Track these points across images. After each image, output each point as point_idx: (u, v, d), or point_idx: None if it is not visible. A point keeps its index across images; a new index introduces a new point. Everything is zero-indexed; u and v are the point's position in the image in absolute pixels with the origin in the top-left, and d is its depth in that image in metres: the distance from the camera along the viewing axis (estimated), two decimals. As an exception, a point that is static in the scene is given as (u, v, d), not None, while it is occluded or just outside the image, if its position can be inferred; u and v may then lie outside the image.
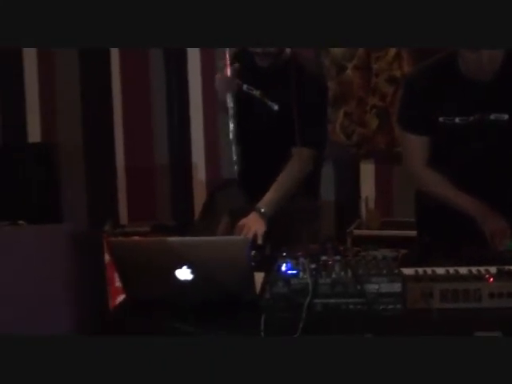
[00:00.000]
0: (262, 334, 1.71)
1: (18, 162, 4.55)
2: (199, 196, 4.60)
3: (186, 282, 1.85)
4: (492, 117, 2.41)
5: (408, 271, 1.93)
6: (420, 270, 1.97)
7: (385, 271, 1.83)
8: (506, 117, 2.40)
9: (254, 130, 2.76)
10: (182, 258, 1.83)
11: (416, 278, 1.89)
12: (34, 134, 4.86)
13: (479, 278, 1.90)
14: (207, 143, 4.65)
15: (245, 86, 2.73)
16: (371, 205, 4.34)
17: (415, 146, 2.55)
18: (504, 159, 2.52)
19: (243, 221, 2.55)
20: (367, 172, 4.46)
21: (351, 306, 1.80)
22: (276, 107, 2.70)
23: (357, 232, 4.10)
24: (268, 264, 2.01)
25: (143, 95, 4.74)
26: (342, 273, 1.82)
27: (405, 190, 4.21)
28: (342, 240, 3.91)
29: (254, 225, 2.53)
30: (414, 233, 2.88)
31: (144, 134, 4.80)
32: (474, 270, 1.97)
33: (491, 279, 1.88)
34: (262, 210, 2.57)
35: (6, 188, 4.37)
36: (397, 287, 1.80)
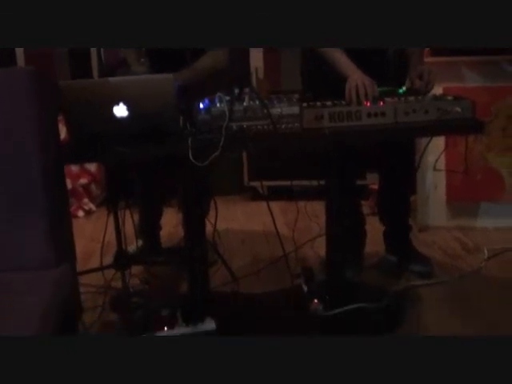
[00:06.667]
0: (190, 151, 2.13)
1: None
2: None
3: (122, 118, 2.21)
4: None
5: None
6: (312, 103, 2.43)
7: (285, 99, 2.28)
8: None
9: None
10: (119, 96, 2.19)
11: (310, 105, 2.35)
12: None
13: (359, 103, 2.38)
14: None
15: None
16: (261, 75, 4.77)
17: None
18: None
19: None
20: (256, 46, 4.86)
21: (259, 127, 2.24)
22: None
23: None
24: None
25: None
26: (251, 102, 2.25)
27: (291, 63, 4.69)
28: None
29: None
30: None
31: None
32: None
33: (368, 103, 2.37)
34: None
35: None
36: (295, 110, 2.25)
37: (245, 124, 2.22)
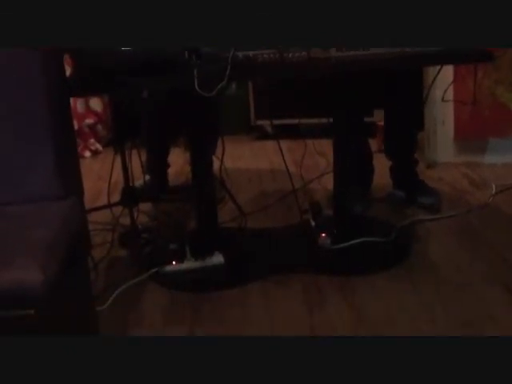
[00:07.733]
0: (196, 81, 2.11)
1: None
2: None
3: (127, 50, 2.17)
4: None
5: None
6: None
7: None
8: None
9: None
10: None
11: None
12: None
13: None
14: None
15: None
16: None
17: None
18: None
19: None
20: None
21: (266, 56, 2.21)
22: None
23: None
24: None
25: None
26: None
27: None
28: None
29: None
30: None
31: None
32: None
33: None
34: None
35: None
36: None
37: (251, 53, 2.19)
